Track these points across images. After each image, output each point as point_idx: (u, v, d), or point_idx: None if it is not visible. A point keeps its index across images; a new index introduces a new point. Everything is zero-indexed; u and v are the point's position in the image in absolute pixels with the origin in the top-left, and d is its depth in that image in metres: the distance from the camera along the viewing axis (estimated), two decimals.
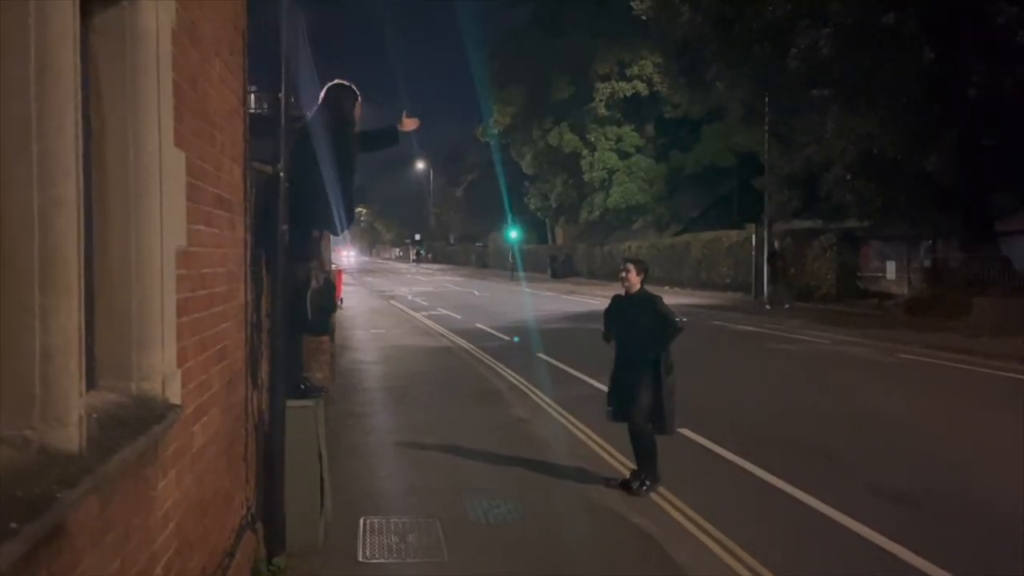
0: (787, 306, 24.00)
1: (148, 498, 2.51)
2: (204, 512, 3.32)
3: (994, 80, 16.16)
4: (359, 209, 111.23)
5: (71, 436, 1.89)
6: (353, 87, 5.30)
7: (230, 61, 3.89)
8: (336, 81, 5.33)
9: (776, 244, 26.72)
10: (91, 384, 2.50)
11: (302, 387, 4.85)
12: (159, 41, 2.65)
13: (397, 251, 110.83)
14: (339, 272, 16.40)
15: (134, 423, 2.37)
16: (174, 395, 2.78)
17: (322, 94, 5.19)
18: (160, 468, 2.65)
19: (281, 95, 4.32)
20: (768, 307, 24.55)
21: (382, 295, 32.78)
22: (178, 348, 2.88)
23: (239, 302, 4.13)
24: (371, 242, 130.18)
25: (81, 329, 1.96)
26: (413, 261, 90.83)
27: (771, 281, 26.22)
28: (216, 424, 3.56)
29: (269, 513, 4.51)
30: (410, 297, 31.67)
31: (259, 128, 5.22)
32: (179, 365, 2.89)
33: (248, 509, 4.37)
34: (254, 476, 4.52)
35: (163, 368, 2.68)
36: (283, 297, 4.40)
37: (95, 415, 2.33)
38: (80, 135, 1.96)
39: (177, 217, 2.86)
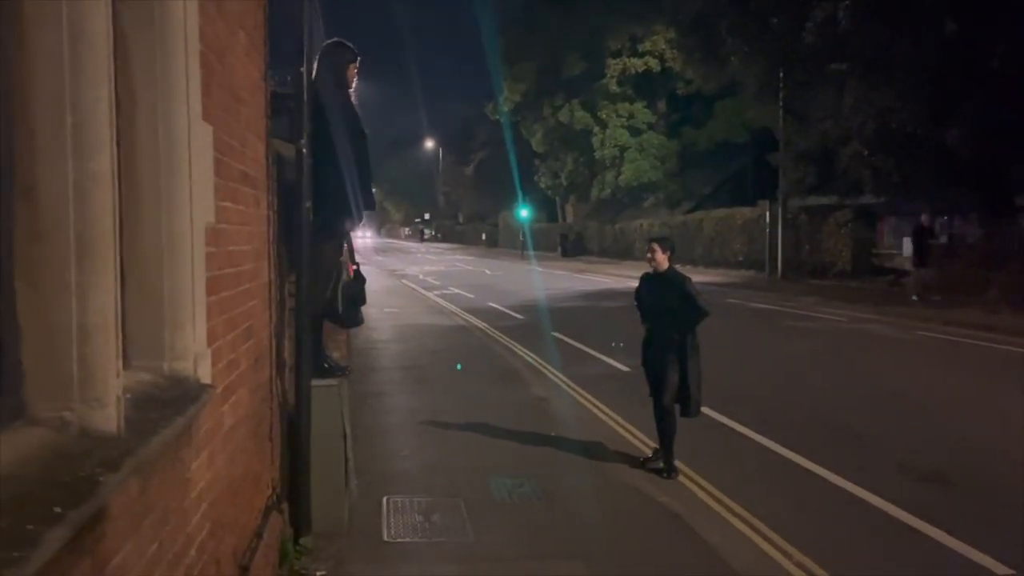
0: (915, 298, 18.49)
1: (184, 479, 2.47)
2: (235, 493, 3.28)
3: (1018, 51, 15.85)
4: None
5: (110, 417, 1.84)
6: (350, 45, 4.98)
7: (253, 34, 3.80)
8: (333, 39, 4.99)
9: (924, 218, 19.56)
10: (124, 364, 2.45)
11: (326, 366, 4.80)
12: (187, 11, 2.57)
13: (407, 231, 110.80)
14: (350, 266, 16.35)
15: (170, 403, 2.32)
16: (205, 374, 2.72)
17: (318, 56, 4.78)
18: (194, 449, 2.60)
19: (303, 69, 4.23)
20: (915, 299, 18.46)
21: (393, 274, 32.75)
22: (208, 327, 2.82)
23: (264, 280, 4.07)
24: (380, 222, 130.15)
25: (118, 308, 1.90)
26: (424, 240, 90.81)
27: (917, 264, 19.48)
28: (245, 404, 3.52)
29: (295, 493, 4.48)
30: (421, 276, 31.64)
31: (277, 105, 5.12)
32: (209, 344, 2.83)
33: (274, 489, 4.34)
34: (279, 456, 4.49)
35: (195, 347, 2.62)
36: (307, 276, 4.33)
37: (130, 395, 2.29)
38: (113, 107, 1.88)
39: (206, 193, 2.79)
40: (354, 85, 5.06)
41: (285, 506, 4.50)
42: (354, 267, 5.04)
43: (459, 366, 8.43)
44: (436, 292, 24.18)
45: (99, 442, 1.80)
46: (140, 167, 2.46)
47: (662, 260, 6.47)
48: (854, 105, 19.64)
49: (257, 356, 3.86)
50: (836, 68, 19.38)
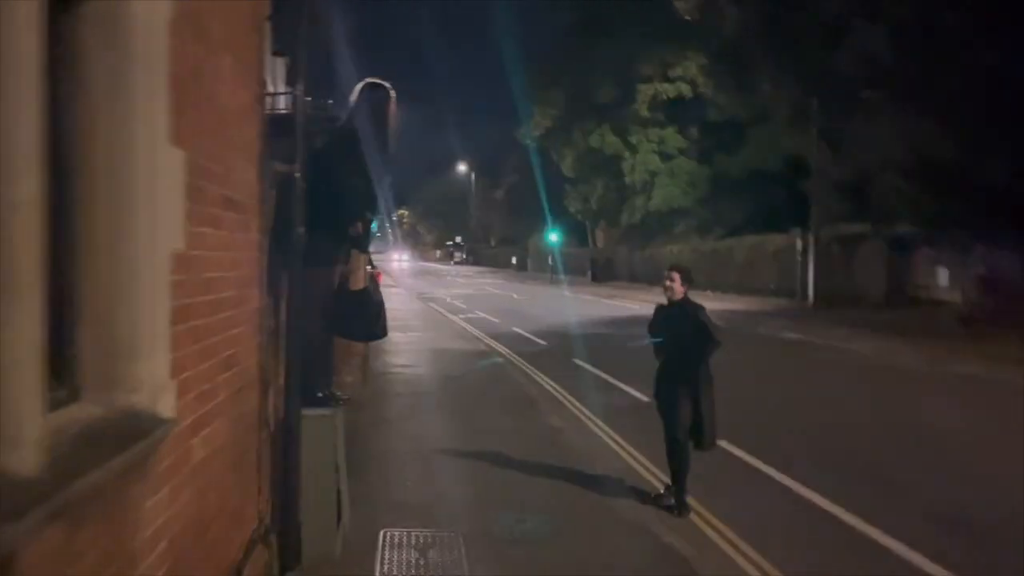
0: None
1: (133, 519, 2.34)
2: (206, 528, 3.15)
3: None
4: (401, 212, 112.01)
5: (25, 459, 1.72)
6: (387, 85, 5.16)
7: (244, 57, 3.74)
8: (369, 79, 5.21)
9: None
10: (74, 397, 2.35)
11: (320, 395, 4.69)
12: (154, 31, 2.49)
13: (438, 253, 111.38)
14: (378, 275, 16.35)
15: (114, 440, 2.21)
16: (166, 407, 2.61)
17: (354, 94, 5.07)
18: (149, 486, 2.48)
19: (299, 90, 4.16)
20: None
21: (421, 297, 32.78)
22: (174, 357, 2.71)
23: (252, 307, 3.97)
24: (413, 244, 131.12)
25: (42, 342, 1.79)
26: (454, 263, 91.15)
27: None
28: (223, 435, 3.40)
29: (284, 526, 4.34)
30: (448, 299, 31.61)
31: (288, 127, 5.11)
32: (175, 375, 2.72)
33: (261, 521, 4.21)
34: (268, 487, 4.37)
35: (153, 380, 2.51)
36: (298, 302, 4.23)
37: (75, 431, 2.18)
38: (43, 131, 1.79)
39: (173, 219, 2.69)
40: (393, 124, 5.08)
41: (273, 539, 4.37)
42: (364, 281, 5.02)
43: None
44: (462, 316, 24.10)
45: (12, 487, 1.68)
46: (98, 193, 2.37)
47: (679, 290, 6.30)
48: (890, 134, 19.28)
49: (242, 385, 3.76)
50: (872, 95, 19.05)
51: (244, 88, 3.76)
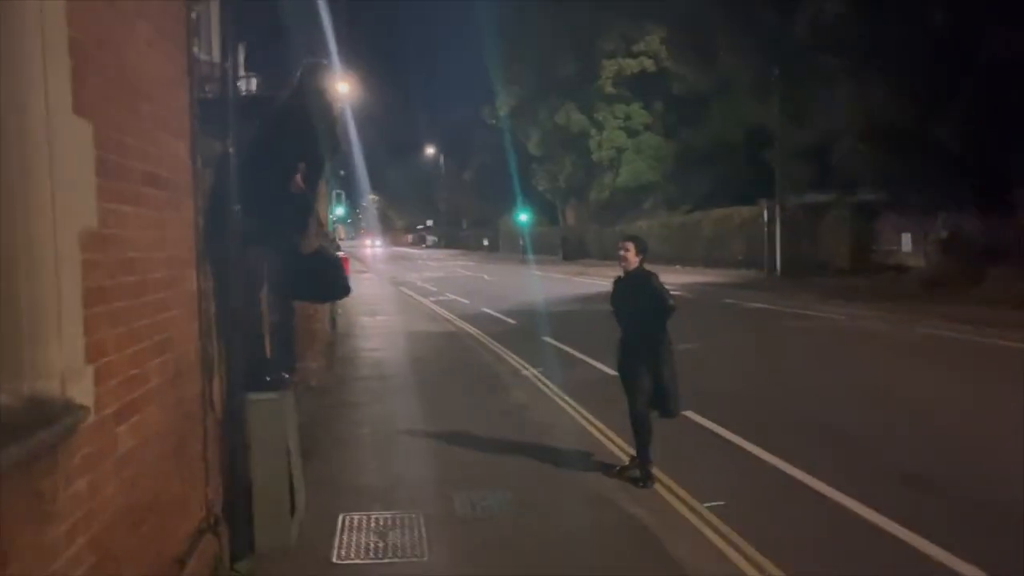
0: None
1: (41, 514, 2.21)
2: (139, 520, 3.02)
3: (1007, 42, 15.55)
4: (372, 197, 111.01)
5: None
6: (326, 63, 5.03)
7: (165, 26, 3.56)
8: (310, 59, 5.09)
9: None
10: None
11: (268, 379, 4.55)
12: None
13: (409, 238, 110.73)
14: (345, 260, 16.12)
15: (14, 430, 2.07)
16: (82, 394, 2.47)
17: (297, 74, 4.94)
18: (61, 478, 2.34)
19: (229, 65, 3.99)
20: None
21: (392, 282, 32.51)
22: (89, 341, 2.56)
23: (188, 289, 3.82)
24: (383, 229, 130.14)
25: None
26: (425, 247, 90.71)
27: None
28: (156, 423, 3.26)
29: (233, 514, 4.22)
30: (419, 283, 31.38)
31: (253, 111, 5.01)
32: (92, 360, 2.58)
33: (210, 511, 4.08)
34: (217, 476, 4.23)
35: (63, 365, 2.37)
36: (238, 283, 4.08)
37: None
38: None
39: (80, 195, 2.53)
40: (336, 102, 5.03)
41: (224, 528, 4.25)
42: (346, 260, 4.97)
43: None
44: (432, 298, 23.93)
45: None
46: None
47: (633, 260, 6.23)
48: (846, 100, 19.36)
49: (178, 370, 3.61)
50: (827, 62, 19.10)
51: (167, 59, 3.58)
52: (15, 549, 2.04)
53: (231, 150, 3.97)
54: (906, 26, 16.55)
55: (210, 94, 5.67)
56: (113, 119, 2.84)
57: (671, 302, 6.04)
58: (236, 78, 4.11)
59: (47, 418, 2.22)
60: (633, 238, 6.49)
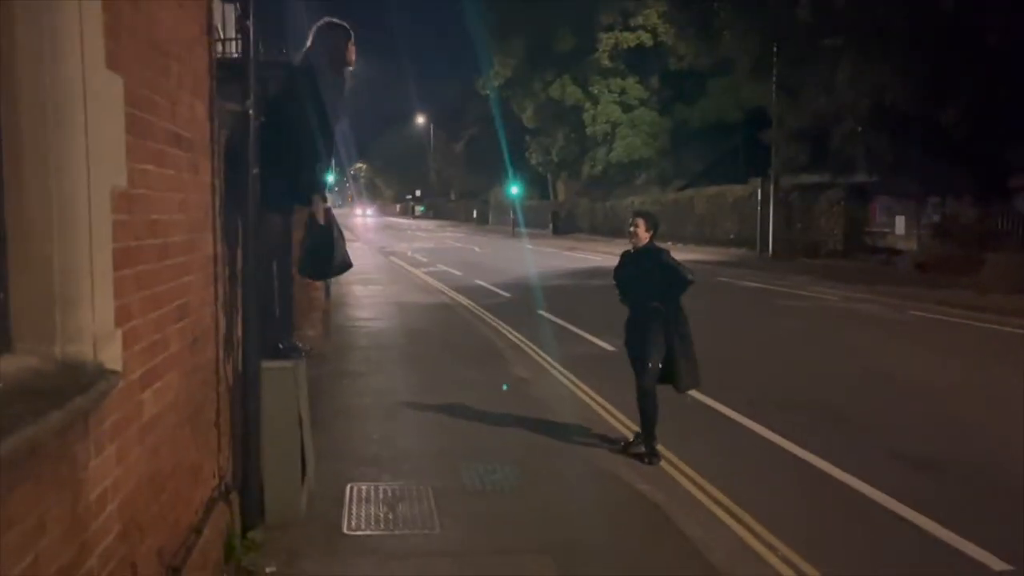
0: None
1: (74, 480, 2.14)
2: (160, 488, 2.96)
3: (1014, 30, 15.48)
4: (359, 165, 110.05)
5: None
6: (345, 25, 4.89)
7: None
8: (326, 19, 4.93)
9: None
10: (6, 348, 2.12)
11: (280, 346, 4.48)
12: None
13: (398, 208, 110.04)
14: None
15: (53, 394, 2.00)
16: (111, 359, 2.39)
17: (311, 34, 4.80)
18: (93, 444, 2.27)
19: (249, 26, 3.86)
20: None
21: (382, 251, 32.34)
22: (118, 305, 2.48)
23: (205, 254, 3.73)
24: (371, 199, 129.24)
25: None
26: (414, 218, 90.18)
27: None
28: (175, 389, 3.19)
29: (245, 483, 4.17)
30: (410, 253, 31.23)
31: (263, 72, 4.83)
32: (119, 324, 2.50)
33: (221, 479, 4.03)
34: (229, 444, 4.17)
35: (95, 328, 2.29)
36: (254, 249, 3.99)
37: (6, 385, 1.97)
38: None
39: (112, 151, 2.44)
40: (352, 64, 4.89)
41: (235, 497, 4.19)
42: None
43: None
44: (423, 269, 23.83)
45: None
46: (22, 120, 2.11)
47: (644, 236, 6.18)
48: (848, 81, 19.26)
49: (196, 336, 3.54)
50: (830, 43, 18.97)
51: (190, 19, 3.47)
52: (51, 518, 1.98)
53: (251, 112, 3.86)
54: (914, 9, 16.41)
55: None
56: (143, 76, 2.73)
57: (689, 276, 6.01)
58: (257, 40, 3.97)
59: (81, 383, 2.14)
60: (644, 214, 6.45)
